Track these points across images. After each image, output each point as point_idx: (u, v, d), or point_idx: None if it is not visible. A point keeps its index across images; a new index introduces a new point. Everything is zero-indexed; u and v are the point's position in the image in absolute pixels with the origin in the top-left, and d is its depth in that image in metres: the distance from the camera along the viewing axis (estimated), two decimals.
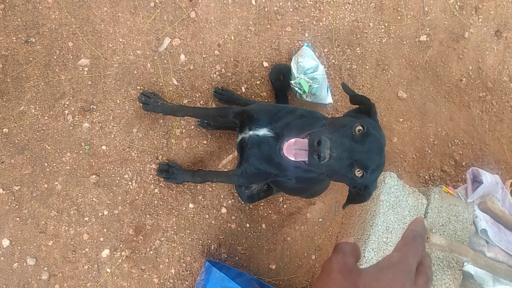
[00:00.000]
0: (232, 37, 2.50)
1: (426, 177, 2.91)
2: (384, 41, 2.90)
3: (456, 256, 2.34)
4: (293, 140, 1.37)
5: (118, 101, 2.22)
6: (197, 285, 2.18)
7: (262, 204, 2.50)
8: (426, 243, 2.26)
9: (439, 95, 3.04)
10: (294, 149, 1.36)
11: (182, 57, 2.38)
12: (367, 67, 2.83)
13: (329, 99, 2.62)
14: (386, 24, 2.91)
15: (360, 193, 1.53)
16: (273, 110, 1.80)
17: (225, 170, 2.36)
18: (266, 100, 2.54)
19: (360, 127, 1.34)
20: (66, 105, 2.13)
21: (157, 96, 2.24)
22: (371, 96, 2.82)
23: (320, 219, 2.56)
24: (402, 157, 2.85)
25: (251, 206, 2.47)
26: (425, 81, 3.00)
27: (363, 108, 1.57)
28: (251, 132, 1.78)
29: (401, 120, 2.88)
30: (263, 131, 1.75)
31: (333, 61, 2.74)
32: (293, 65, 2.50)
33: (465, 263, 2.44)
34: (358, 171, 1.33)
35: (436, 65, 3.07)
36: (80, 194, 2.12)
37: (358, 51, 2.82)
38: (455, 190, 2.80)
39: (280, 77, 2.55)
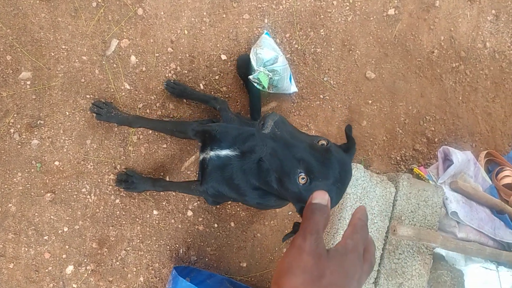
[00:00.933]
0: (186, 31, 2.37)
1: (398, 158, 2.87)
2: (349, 20, 2.77)
3: (425, 243, 2.34)
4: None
5: (67, 113, 2.12)
6: None
7: (230, 202, 2.46)
8: (393, 235, 2.25)
9: (409, 71, 2.94)
10: None
11: (133, 58, 2.26)
12: (333, 49, 2.72)
13: (293, 88, 2.53)
14: (350, 1, 2.77)
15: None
16: (236, 133, 1.72)
17: (187, 178, 2.30)
18: (227, 96, 2.44)
19: (324, 142, 1.13)
20: (11, 123, 2.03)
21: (110, 106, 2.15)
22: (338, 79, 2.72)
23: (290, 212, 2.54)
24: (372, 140, 2.79)
25: (218, 206, 2.43)
26: (394, 57, 2.90)
27: (344, 145, 1.44)
28: (212, 153, 1.71)
29: (370, 102, 2.80)
30: (225, 152, 1.68)
31: (296, 46, 2.62)
32: (252, 57, 2.38)
33: (435, 248, 2.45)
34: (302, 177, 1.09)
35: (406, 39, 2.95)
36: (36, 214, 2.07)
37: (322, 33, 2.69)
38: (427, 170, 2.77)
39: (247, 69, 2.43)
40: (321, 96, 2.68)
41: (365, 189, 2.34)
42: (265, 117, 1.09)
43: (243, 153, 1.61)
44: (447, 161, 2.74)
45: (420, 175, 2.70)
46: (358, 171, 2.34)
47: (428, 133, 2.97)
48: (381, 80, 2.84)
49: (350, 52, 2.76)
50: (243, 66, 2.40)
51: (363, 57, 2.80)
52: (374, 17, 2.84)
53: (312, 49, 2.66)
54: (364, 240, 0.68)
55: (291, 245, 0.66)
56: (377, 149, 2.80)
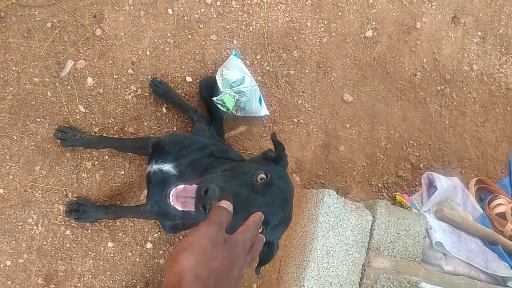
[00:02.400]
0: (148, 53, 2.27)
1: (379, 185, 2.69)
2: (324, 41, 2.66)
3: (406, 277, 2.13)
4: (181, 186, 1.15)
5: (14, 137, 1.99)
6: None
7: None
8: (368, 267, 2.05)
9: (390, 94, 2.81)
10: (182, 197, 1.15)
11: (89, 80, 2.14)
12: (307, 71, 2.60)
13: (263, 111, 2.39)
14: (325, 22, 2.67)
15: (264, 251, 1.32)
16: (185, 144, 1.60)
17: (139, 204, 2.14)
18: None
19: (263, 175, 1.18)
20: None
21: (74, 130, 2.03)
22: (313, 102, 2.59)
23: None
24: (351, 166, 2.62)
25: (181, 237, 2.25)
26: (373, 80, 2.77)
27: (274, 154, 1.38)
28: (155, 166, 1.58)
29: (347, 125, 2.65)
30: (167, 167, 1.55)
31: (268, 68, 2.51)
32: (218, 79, 2.26)
33: (419, 282, 2.23)
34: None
35: (386, 61, 2.83)
36: None
37: (295, 55, 2.58)
38: (410, 198, 2.58)
39: (212, 92, 2.32)
40: (295, 120, 2.53)
41: (338, 217, 2.16)
42: (207, 196, 1.00)
43: (181, 175, 1.47)
44: (432, 187, 2.56)
45: (403, 203, 2.51)
46: (330, 198, 2.16)
47: (412, 159, 2.79)
48: (359, 103, 2.70)
49: (326, 74, 2.64)
50: (206, 88, 2.28)
51: (340, 80, 2.67)
52: (351, 38, 2.73)
53: (285, 71, 2.54)
54: (253, 237, 0.82)
55: (196, 228, 0.75)
56: (356, 176, 2.63)
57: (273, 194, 1.17)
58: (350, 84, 2.70)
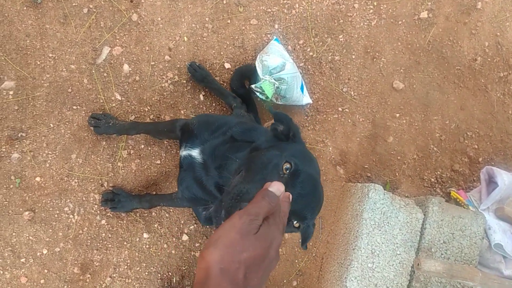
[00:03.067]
0: (186, 38, 2.18)
1: (432, 179, 2.48)
2: (373, 24, 2.47)
3: (460, 281, 1.94)
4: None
5: (51, 125, 1.97)
6: None
7: None
8: (418, 270, 1.88)
9: (446, 81, 2.58)
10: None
11: (126, 67, 2.09)
12: (353, 56, 2.43)
13: (306, 99, 2.25)
14: (375, 3, 2.48)
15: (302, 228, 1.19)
16: (214, 125, 1.50)
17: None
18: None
19: (288, 165, 1.07)
20: None
21: (108, 116, 1.99)
22: (360, 90, 2.41)
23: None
24: (401, 158, 2.43)
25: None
26: (427, 66, 2.55)
27: (283, 128, 1.25)
28: (185, 152, 1.50)
29: (397, 115, 2.46)
30: (195, 152, 1.46)
31: (311, 53, 2.36)
32: (257, 65, 2.15)
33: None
34: (295, 222, 1.08)
35: (442, 45, 2.60)
36: (14, 233, 1.91)
37: (341, 39, 2.41)
38: (467, 195, 2.36)
39: (244, 83, 2.21)
40: (340, 109, 2.38)
41: (385, 214, 1.99)
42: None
43: (205, 164, 1.38)
44: (492, 183, 2.32)
45: (458, 200, 2.30)
46: (376, 193, 2.00)
47: (470, 152, 2.56)
48: (411, 90, 2.50)
49: (374, 60, 2.46)
50: (239, 79, 2.17)
51: (389, 66, 2.48)
52: (404, 20, 2.52)
53: (330, 57, 2.38)
54: (285, 211, 0.80)
55: (227, 220, 0.71)
56: (406, 169, 2.43)
57: (302, 183, 1.07)
58: (401, 70, 2.49)
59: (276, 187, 0.79)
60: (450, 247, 2.05)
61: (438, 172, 2.49)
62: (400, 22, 2.52)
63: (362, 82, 2.43)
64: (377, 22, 2.48)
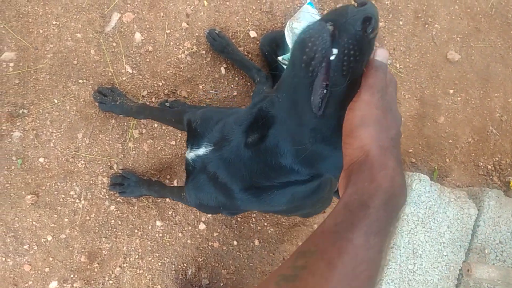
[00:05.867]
0: (206, 2, 1.92)
1: (489, 166, 2.14)
2: None
3: None
4: None
5: (55, 100, 1.79)
6: None
7: (254, 215, 1.98)
8: (467, 276, 1.59)
9: (511, 52, 2.20)
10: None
11: (138, 36, 1.86)
12: (401, 22, 2.09)
13: None
14: None
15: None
16: (216, 120, 1.24)
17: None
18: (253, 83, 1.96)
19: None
20: None
21: (116, 92, 1.79)
22: (407, 62, 2.09)
23: None
24: (453, 142, 2.11)
25: (238, 219, 1.96)
26: (489, 33, 2.18)
27: None
28: (191, 154, 1.25)
29: (451, 91, 2.12)
30: (202, 150, 1.21)
31: None
32: (286, 33, 1.87)
33: None
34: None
35: (508, 9, 2.22)
36: (16, 218, 1.77)
37: (387, 2, 2.08)
38: None
39: (275, 48, 1.94)
40: None
41: (431, 208, 1.71)
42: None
43: (217, 143, 1.12)
44: None
45: None
46: (421, 184, 1.71)
47: None
48: (469, 62, 2.14)
49: (426, 26, 2.11)
50: (269, 44, 1.90)
51: (444, 33, 2.12)
52: None
53: None
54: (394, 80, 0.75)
55: (359, 100, 0.67)
56: (458, 154, 2.11)
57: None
58: (458, 38, 2.14)
59: (383, 55, 0.71)
60: (507, 248, 1.74)
61: (497, 158, 2.15)
62: None
63: (410, 53, 2.09)
64: None
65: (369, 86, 0.68)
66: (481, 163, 2.13)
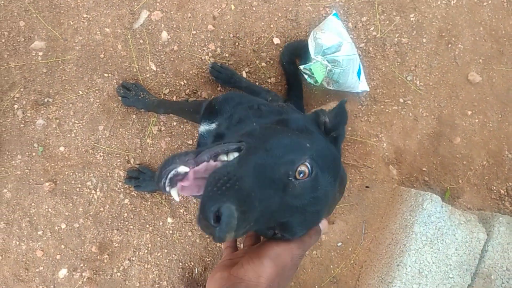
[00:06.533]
0: (233, 6, 1.95)
1: (502, 191, 2.14)
2: (453, 3, 2.12)
3: None
4: (203, 165, 0.80)
5: (80, 92, 1.83)
6: None
7: None
8: None
9: None
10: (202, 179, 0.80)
11: (164, 34, 1.89)
12: (424, 40, 2.09)
13: (362, 86, 1.97)
14: None
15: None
16: (237, 101, 1.26)
17: None
18: (276, 88, 1.98)
19: (305, 168, 0.77)
20: (16, 98, 1.79)
21: (139, 88, 1.82)
22: (427, 80, 2.09)
23: (340, 243, 1.99)
24: (467, 164, 2.11)
25: None
26: None
27: (329, 122, 0.97)
28: (201, 128, 1.28)
29: (469, 113, 2.12)
30: (213, 126, 1.25)
31: (374, 33, 2.05)
32: (310, 43, 1.89)
33: None
34: (277, 232, 0.83)
35: None
36: (33, 204, 1.81)
37: (412, 19, 2.08)
38: None
39: (295, 60, 1.96)
40: (401, 100, 2.07)
41: (440, 230, 1.71)
42: (221, 223, 0.66)
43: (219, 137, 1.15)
44: None
45: None
46: (432, 205, 1.72)
47: None
48: (489, 85, 2.14)
49: (449, 45, 2.11)
50: (290, 54, 1.92)
51: (467, 54, 2.12)
52: (490, 1, 2.14)
53: (396, 39, 2.07)
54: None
55: (287, 241, 0.80)
56: (472, 177, 2.11)
57: (313, 199, 0.78)
58: (480, 60, 2.13)
59: (326, 226, 0.88)
60: None
61: (510, 183, 2.14)
62: (485, 4, 2.14)
63: (431, 71, 2.10)
64: (458, 1, 2.12)
65: (301, 243, 0.81)
66: (494, 187, 2.13)
